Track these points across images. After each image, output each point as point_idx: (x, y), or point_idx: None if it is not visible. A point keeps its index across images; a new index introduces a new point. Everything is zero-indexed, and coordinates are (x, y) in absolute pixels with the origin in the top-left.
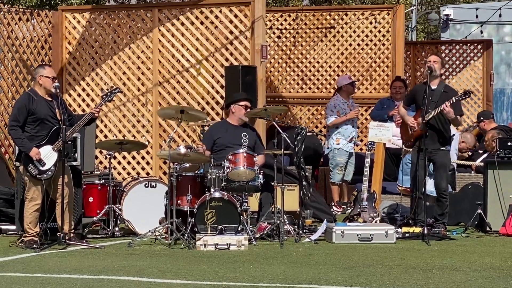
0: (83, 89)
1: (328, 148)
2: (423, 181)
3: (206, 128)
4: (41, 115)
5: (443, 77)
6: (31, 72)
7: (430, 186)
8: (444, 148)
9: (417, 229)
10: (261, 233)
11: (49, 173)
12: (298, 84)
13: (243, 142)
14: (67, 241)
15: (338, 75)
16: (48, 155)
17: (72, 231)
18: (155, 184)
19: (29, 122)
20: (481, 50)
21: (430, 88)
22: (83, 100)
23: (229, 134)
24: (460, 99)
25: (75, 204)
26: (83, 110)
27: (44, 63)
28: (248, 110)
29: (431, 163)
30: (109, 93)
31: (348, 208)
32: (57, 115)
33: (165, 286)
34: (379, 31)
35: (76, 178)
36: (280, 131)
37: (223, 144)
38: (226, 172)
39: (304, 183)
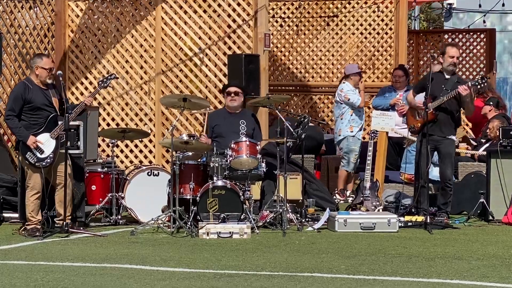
0: (86, 77)
1: (340, 135)
2: (426, 169)
3: None
4: (37, 103)
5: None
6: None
7: (435, 172)
8: (450, 137)
9: (420, 218)
10: (264, 221)
11: (48, 160)
12: (300, 72)
13: (241, 130)
14: (68, 229)
15: (341, 64)
16: (46, 142)
17: (69, 217)
18: (158, 173)
19: (25, 111)
20: (484, 39)
21: (443, 77)
22: (86, 88)
23: (227, 122)
24: (477, 84)
25: (77, 192)
26: None
27: (42, 52)
28: (239, 95)
29: (436, 152)
30: (105, 79)
31: (350, 197)
32: (53, 103)
33: (168, 274)
34: (382, 20)
35: (78, 168)
36: (283, 119)
37: (221, 132)
38: (228, 161)
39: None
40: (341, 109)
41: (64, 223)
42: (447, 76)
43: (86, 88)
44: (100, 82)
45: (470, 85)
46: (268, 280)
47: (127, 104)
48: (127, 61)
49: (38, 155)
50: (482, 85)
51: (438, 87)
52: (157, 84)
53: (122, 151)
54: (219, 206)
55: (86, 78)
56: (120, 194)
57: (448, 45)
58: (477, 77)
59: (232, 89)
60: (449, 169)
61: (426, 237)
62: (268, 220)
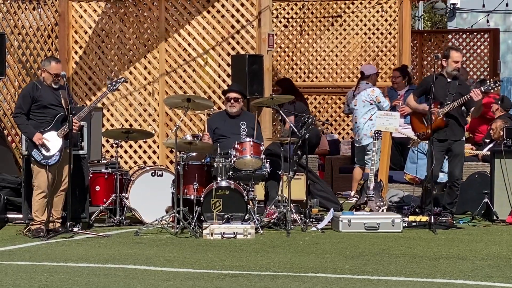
0: (90, 78)
1: (372, 137)
2: (431, 170)
3: None
4: (45, 102)
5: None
6: (38, 62)
7: (440, 174)
8: (462, 139)
9: (424, 218)
10: (270, 218)
11: (54, 158)
12: (304, 73)
13: (242, 131)
14: (55, 230)
15: (344, 64)
16: (52, 140)
17: (60, 220)
18: (162, 173)
19: (33, 109)
20: (488, 39)
21: (445, 80)
22: (90, 89)
23: (227, 124)
24: (490, 88)
25: (80, 192)
26: (90, 99)
27: (54, 56)
28: (239, 101)
29: (447, 154)
30: (114, 83)
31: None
32: (62, 103)
33: (172, 275)
34: (386, 20)
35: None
36: (287, 119)
37: (221, 134)
38: (232, 161)
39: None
40: (369, 108)
41: (68, 223)
42: (449, 80)
43: (89, 89)
44: (109, 85)
45: (483, 89)
46: (272, 280)
47: (131, 104)
48: (130, 62)
49: (44, 152)
50: (495, 88)
51: (442, 91)
52: (160, 85)
53: (126, 151)
54: (223, 207)
55: (90, 78)
56: (124, 194)
57: (453, 49)
58: (488, 81)
59: (232, 95)
60: (459, 168)
61: (430, 237)
62: (274, 218)
